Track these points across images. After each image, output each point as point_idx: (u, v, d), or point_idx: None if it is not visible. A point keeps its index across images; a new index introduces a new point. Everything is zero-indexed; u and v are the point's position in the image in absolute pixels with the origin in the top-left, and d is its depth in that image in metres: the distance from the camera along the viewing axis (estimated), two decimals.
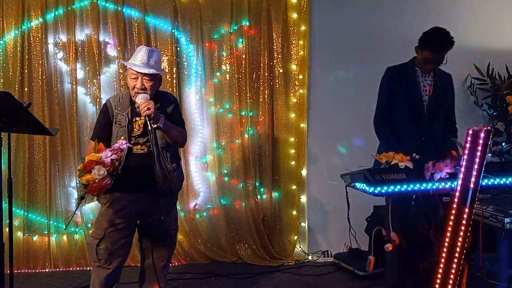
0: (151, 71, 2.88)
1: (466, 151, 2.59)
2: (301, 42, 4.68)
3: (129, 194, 2.96)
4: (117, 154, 2.70)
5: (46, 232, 4.42)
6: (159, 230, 3.02)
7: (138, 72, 2.88)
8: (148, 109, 2.76)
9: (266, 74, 4.64)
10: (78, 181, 2.81)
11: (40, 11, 4.34)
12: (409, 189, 2.70)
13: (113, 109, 3.01)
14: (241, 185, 4.69)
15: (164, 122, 2.87)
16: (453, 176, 2.70)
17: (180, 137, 3.03)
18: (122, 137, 2.91)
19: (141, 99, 2.83)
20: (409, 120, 3.45)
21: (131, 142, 2.94)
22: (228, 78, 4.66)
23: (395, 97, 3.49)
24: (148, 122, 2.79)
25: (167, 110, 3.01)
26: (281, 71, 4.66)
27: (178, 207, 4.53)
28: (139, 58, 2.91)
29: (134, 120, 2.97)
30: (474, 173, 2.56)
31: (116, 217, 2.96)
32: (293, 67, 4.69)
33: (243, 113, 4.66)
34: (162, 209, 2.98)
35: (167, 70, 4.53)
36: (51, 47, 4.40)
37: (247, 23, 4.62)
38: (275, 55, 4.66)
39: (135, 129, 2.97)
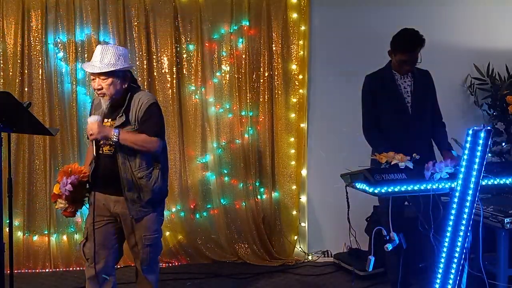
0: (103, 69, 2.79)
1: (466, 151, 2.59)
2: (301, 42, 4.68)
3: (104, 195, 2.95)
4: (71, 186, 2.81)
5: (46, 232, 4.42)
6: (130, 238, 2.99)
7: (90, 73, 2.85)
8: (91, 134, 2.74)
9: (266, 74, 4.64)
10: None
11: (40, 11, 4.34)
12: (409, 189, 2.70)
13: (92, 108, 3.04)
14: (241, 185, 4.69)
15: (119, 138, 2.77)
16: (453, 176, 2.70)
17: (146, 146, 2.84)
18: (69, 171, 2.87)
19: (88, 124, 2.77)
20: (397, 123, 3.49)
21: (100, 143, 2.89)
22: (228, 78, 4.66)
23: (379, 103, 3.53)
24: (95, 144, 2.80)
25: (132, 116, 2.87)
26: (281, 71, 4.66)
27: (178, 207, 4.57)
28: (93, 59, 2.86)
29: (103, 121, 2.89)
30: (474, 173, 2.56)
31: (96, 216, 2.95)
32: (293, 67, 4.69)
33: (243, 113, 4.66)
34: (131, 216, 2.91)
35: (167, 70, 4.53)
36: (51, 47, 4.40)
37: (247, 23, 4.62)
38: (275, 55, 4.66)
39: None
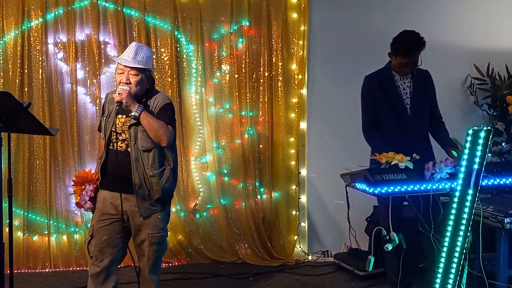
0: (137, 65, 2.87)
1: (466, 151, 2.59)
2: (300, 42, 4.68)
3: (112, 192, 2.97)
4: (91, 203, 3.02)
5: (46, 232, 4.42)
6: (138, 236, 3.01)
7: (124, 66, 2.88)
8: (119, 94, 2.80)
9: (266, 74, 4.65)
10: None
11: (40, 11, 4.33)
12: (409, 189, 2.70)
13: (106, 102, 3.06)
14: (241, 185, 4.69)
15: (141, 112, 2.84)
16: (453, 176, 2.70)
17: (161, 131, 2.86)
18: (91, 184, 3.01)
19: (118, 89, 2.85)
20: (396, 124, 3.48)
21: (112, 138, 2.95)
22: (228, 78, 4.66)
23: (378, 104, 3.52)
24: (118, 108, 2.85)
25: (151, 108, 2.95)
26: (281, 71, 4.66)
27: (178, 207, 4.57)
28: (126, 53, 2.92)
29: (117, 116, 2.95)
30: (474, 173, 2.56)
31: (103, 214, 2.98)
32: (293, 67, 4.69)
33: (243, 113, 4.66)
34: (140, 213, 2.95)
35: (167, 70, 4.54)
36: (51, 47, 4.40)
37: (247, 23, 4.62)
38: (275, 55, 4.66)
39: (117, 126, 2.95)
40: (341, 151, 4.66)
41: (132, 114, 2.86)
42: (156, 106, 2.96)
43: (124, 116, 2.95)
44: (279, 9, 4.63)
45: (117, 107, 2.87)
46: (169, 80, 4.55)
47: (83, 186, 3.00)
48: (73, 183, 3.05)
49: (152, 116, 2.89)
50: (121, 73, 2.91)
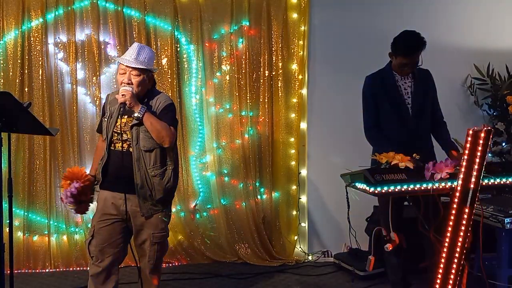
0: (139, 65, 2.87)
1: (466, 151, 2.59)
2: (301, 42, 4.68)
3: (113, 192, 2.97)
4: (72, 199, 2.95)
5: (46, 232, 4.42)
6: (139, 236, 3.02)
7: (126, 66, 2.88)
8: (123, 96, 2.80)
9: (266, 74, 4.65)
10: None
11: (40, 11, 4.34)
12: (409, 189, 2.70)
13: (107, 103, 3.06)
14: (241, 185, 4.69)
15: (144, 114, 2.84)
16: (453, 176, 2.70)
17: (164, 132, 2.87)
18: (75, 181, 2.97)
19: (121, 90, 2.84)
20: (397, 124, 3.48)
21: (114, 139, 2.95)
22: (228, 78, 4.66)
23: (379, 104, 3.52)
24: (122, 109, 2.84)
25: (153, 109, 2.94)
26: (281, 71, 4.66)
27: (178, 207, 4.57)
28: (128, 53, 2.92)
29: (119, 117, 2.94)
30: (474, 173, 2.56)
31: (103, 215, 2.99)
32: (293, 67, 4.69)
33: (243, 113, 4.66)
34: (142, 213, 2.95)
35: (167, 70, 4.54)
36: (51, 47, 4.40)
37: (247, 23, 4.62)
38: (275, 55, 4.66)
39: (119, 126, 2.94)
40: (341, 151, 4.66)
41: (135, 115, 2.86)
42: (158, 107, 2.96)
43: (126, 116, 2.94)
44: (279, 9, 4.63)
45: (121, 108, 2.87)
46: (169, 80, 4.55)
47: (68, 182, 2.96)
48: (63, 177, 3.03)
49: (155, 117, 2.90)
50: (123, 74, 2.90)
